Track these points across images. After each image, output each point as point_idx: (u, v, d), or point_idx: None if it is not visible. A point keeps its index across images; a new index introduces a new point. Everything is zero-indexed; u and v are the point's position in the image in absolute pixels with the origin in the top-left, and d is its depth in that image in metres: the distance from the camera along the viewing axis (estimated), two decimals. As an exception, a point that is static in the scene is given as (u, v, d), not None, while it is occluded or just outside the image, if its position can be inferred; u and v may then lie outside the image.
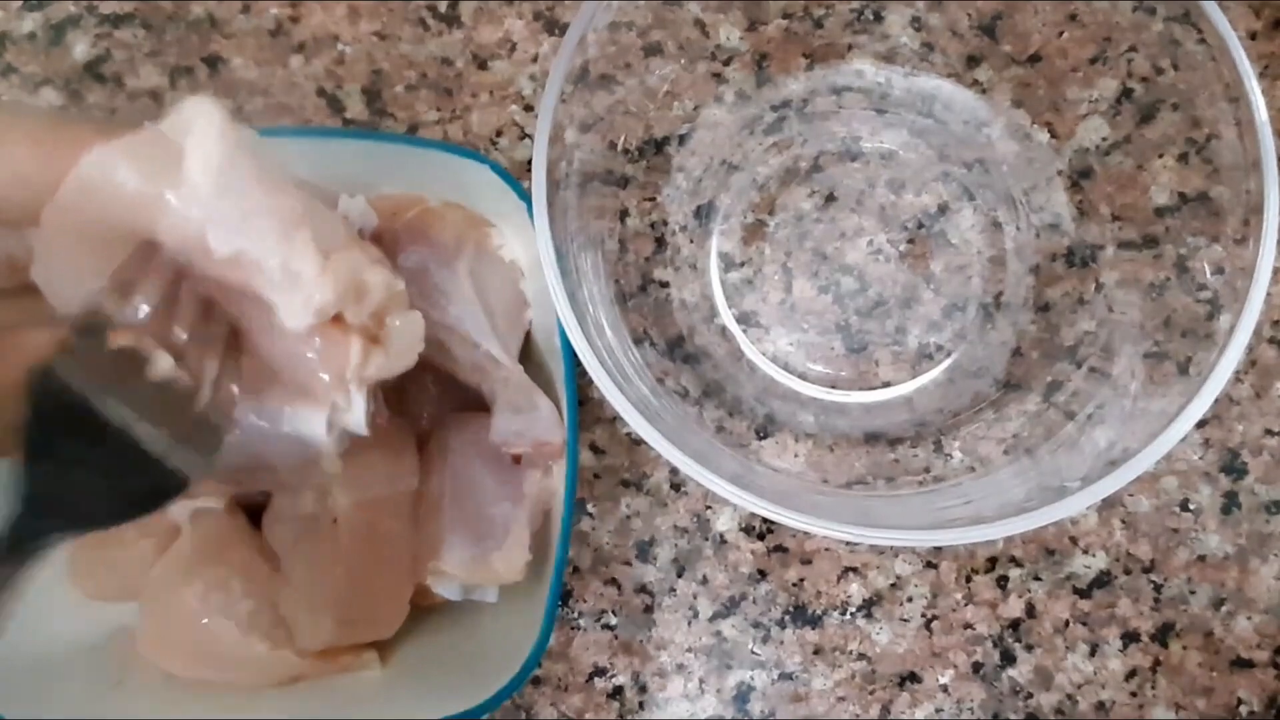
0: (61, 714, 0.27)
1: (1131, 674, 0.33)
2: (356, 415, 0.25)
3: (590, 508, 0.34)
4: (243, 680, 0.29)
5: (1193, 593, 0.33)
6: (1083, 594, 0.33)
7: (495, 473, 0.29)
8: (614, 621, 0.34)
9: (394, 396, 0.30)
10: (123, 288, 0.23)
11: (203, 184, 0.22)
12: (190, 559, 0.28)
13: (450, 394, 0.31)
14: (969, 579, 0.34)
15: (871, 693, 0.33)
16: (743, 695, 0.33)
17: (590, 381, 0.34)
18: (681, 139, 0.34)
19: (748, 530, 0.34)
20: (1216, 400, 0.25)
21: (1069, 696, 0.33)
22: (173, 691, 0.29)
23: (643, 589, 0.34)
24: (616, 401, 0.25)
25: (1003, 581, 0.34)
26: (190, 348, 0.23)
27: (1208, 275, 0.29)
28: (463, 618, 0.31)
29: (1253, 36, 0.35)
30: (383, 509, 0.28)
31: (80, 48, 0.36)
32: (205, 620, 0.28)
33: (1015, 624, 0.33)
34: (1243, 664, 0.33)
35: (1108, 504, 0.34)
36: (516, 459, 0.30)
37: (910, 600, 0.34)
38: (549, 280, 0.26)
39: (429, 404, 0.31)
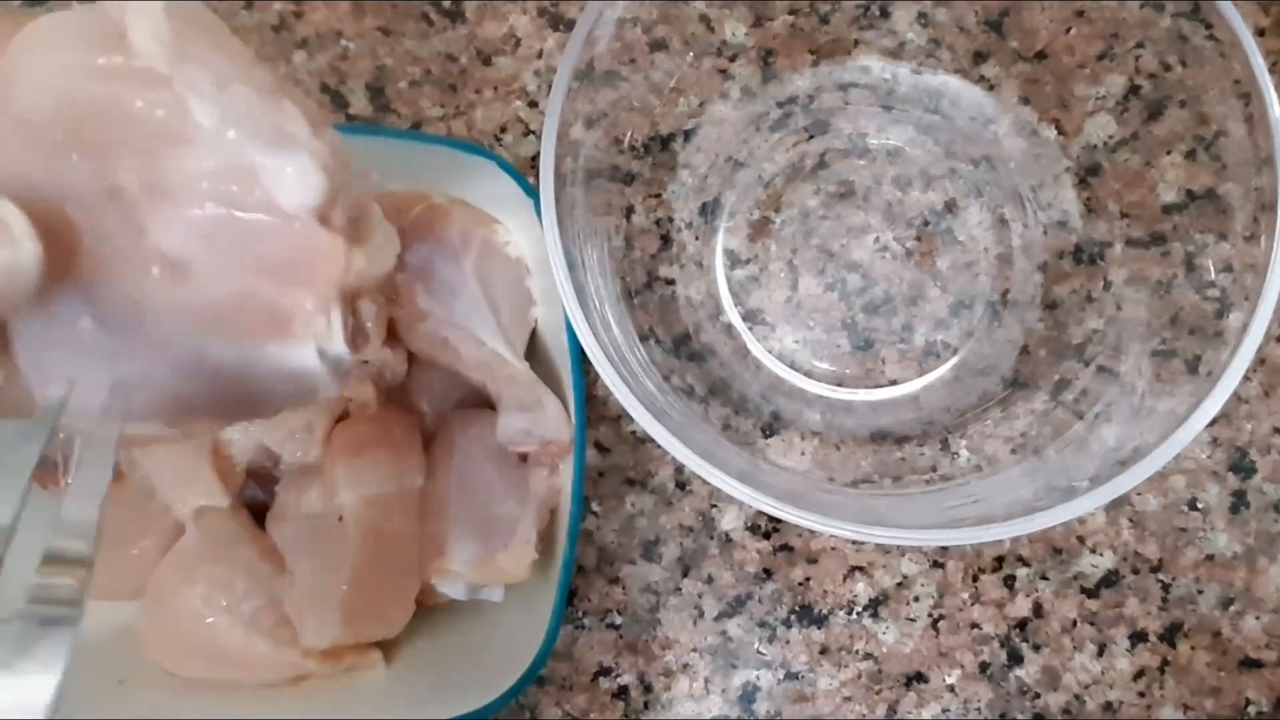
0: (65, 713, 0.27)
1: (1139, 674, 0.33)
2: (336, 336, 0.23)
3: (595, 506, 0.34)
4: (247, 680, 0.29)
5: (1201, 592, 0.33)
6: (1090, 593, 0.33)
7: (501, 471, 0.29)
8: (619, 621, 0.34)
9: (399, 393, 0.30)
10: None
11: (156, 53, 0.21)
12: (194, 558, 0.28)
13: (456, 392, 0.31)
14: (976, 578, 0.33)
15: (878, 693, 0.33)
16: (748, 695, 0.33)
17: (595, 379, 0.34)
18: (687, 135, 0.34)
19: (753, 529, 0.34)
20: (1225, 399, 0.25)
21: (1076, 697, 0.33)
22: (176, 691, 0.29)
23: (648, 588, 0.34)
24: (623, 398, 0.25)
25: (1010, 581, 0.33)
26: None
27: (1216, 273, 0.29)
28: (468, 617, 0.30)
29: (1261, 33, 0.35)
30: (388, 507, 0.28)
31: (82, 43, 0.35)
32: (209, 619, 0.28)
33: (1022, 624, 0.33)
34: (1251, 664, 0.33)
35: (1115, 503, 0.34)
36: (523, 457, 0.30)
37: (917, 600, 0.33)
38: (556, 276, 0.26)
39: (435, 402, 0.31)
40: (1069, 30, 0.32)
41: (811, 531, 0.34)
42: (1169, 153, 0.31)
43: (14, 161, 0.21)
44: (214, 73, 0.21)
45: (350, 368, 0.24)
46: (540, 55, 0.35)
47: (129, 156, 0.21)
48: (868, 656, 0.33)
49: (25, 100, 0.21)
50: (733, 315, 0.34)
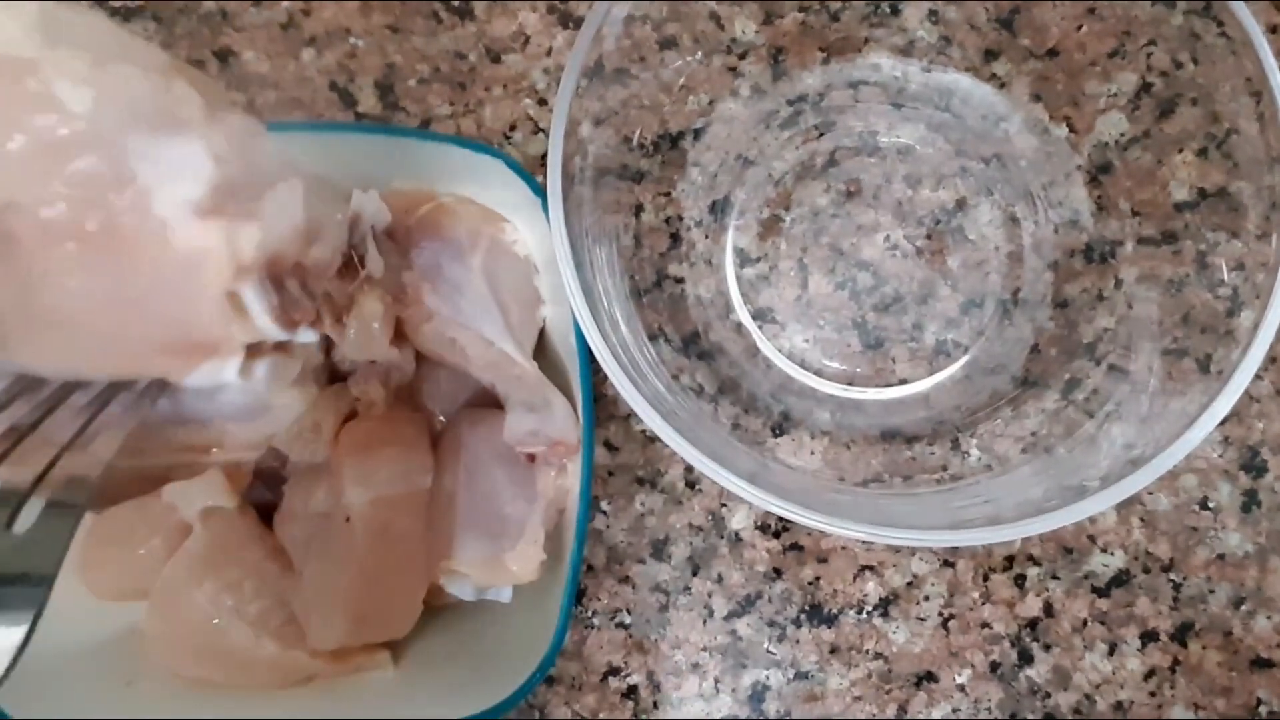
0: (71, 714, 0.27)
1: (1150, 674, 0.33)
2: (259, 319, 0.21)
3: (604, 506, 0.34)
4: (254, 681, 0.29)
5: (1212, 592, 0.33)
6: (1101, 593, 0.33)
7: (509, 471, 0.29)
8: (628, 620, 0.33)
9: (407, 393, 0.30)
10: None
11: (19, 39, 0.19)
12: (201, 558, 0.28)
13: (464, 391, 0.31)
14: (986, 578, 0.33)
15: (888, 692, 0.33)
16: (758, 695, 0.33)
17: (604, 378, 0.34)
18: (697, 134, 0.34)
19: (763, 528, 0.34)
20: (1237, 398, 0.25)
21: (1087, 696, 0.33)
22: (183, 692, 0.28)
23: (657, 588, 0.33)
24: (632, 398, 0.25)
25: (1020, 580, 0.33)
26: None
27: (1227, 272, 0.29)
28: (476, 618, 0.30)
29: (1273, 30, 0.35)
30: (396, 508, 0.28)
31: (89, 41, 0.35)
32: (216, 620, 0.28)
33: (1033, 623, 0.33)
34: (1262, 664, 0.33)
35: (1126, 502, 0.33)
36: (531, 457, 0.29)
37: (927, 599, 0.33)
38: (564, 275, 0.25)
39: (442, 402, 0.31)
40: (1080, 28, 0.32)
41: (822, 531, 0.34)
42: (1180, 151, 0.31)
43: None
44: (90, 52, 0.19)
45: (304, 344, 0.22)
46: (549, 53, 0.35)
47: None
48: (878, 656, 0.33)
49: None
50: (742, 314, 0.34)
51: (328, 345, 0.29)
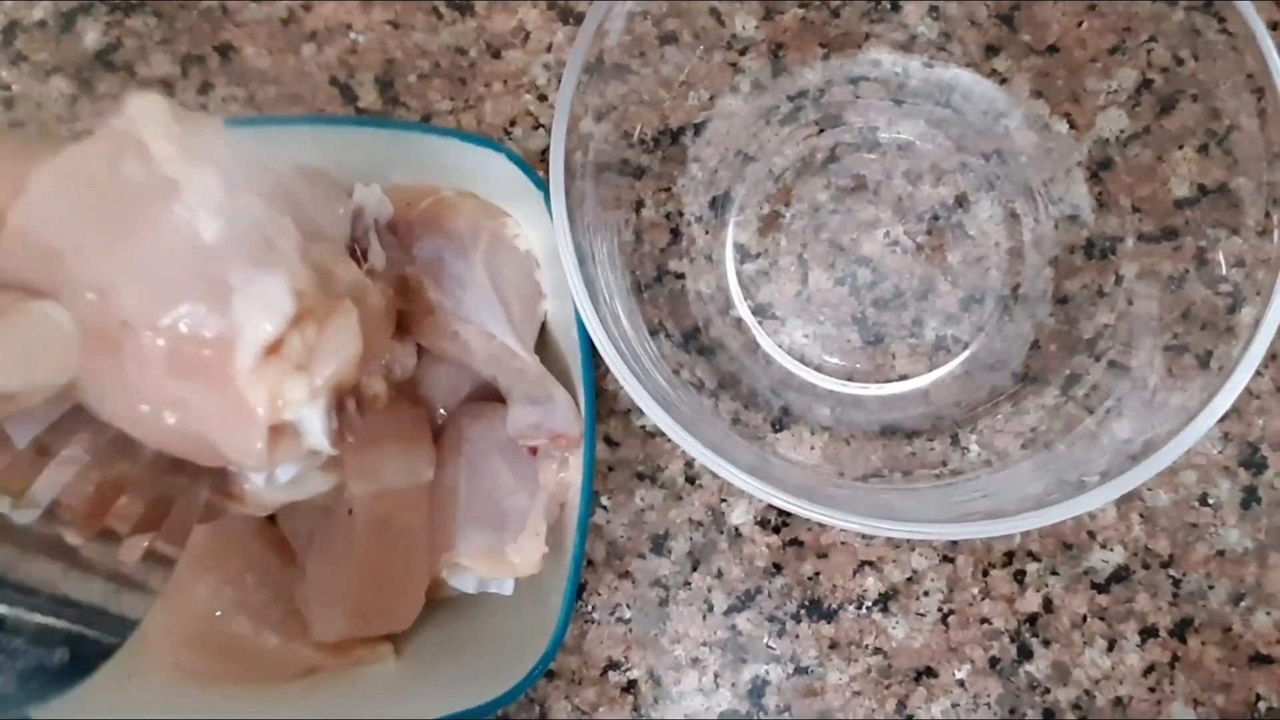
0: (73, 707, 0.27)
1: (1149, 669, 0.33)
2: (315, 441, 0.23)
3: (604, 500, 0.34)
4: (256, 673, 0.29)
5: (1211, 588, 0.33)
6: (1101, 589, 0.33)
7: (511, 464, 0.29)
8: (628, 615, 0.33)
9: (409, 387, 0.30)
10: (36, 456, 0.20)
11: (174, 157, 0.20)
12: (204, 552, 0.28)
13: (466, 385, 0.31)
14: (986, 573, 0.33)
15: (887, 687, 0.33)
16: (758, 689, 0.33)
17: (604, 374, 0.34)
18: (697, 129, 0.34)
19: (763, 524, 0.34)
20: (1237, 395, 0.25)
21: (1086, 692, 0.33)
22: (185, 685, 0.28)
23: (657, 583, 0.34)
24: (634, 392, 0.25)
25: (1020, 576, 0.33)
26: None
27: (1228, 268, 0.29)
28: (478, 611, 0.30)
29: (1274, 27, 0.35)
30: (398, 501, 0.28)
31: (91, 36, 0.35)
32: (218, 612, 0.28)
33: (1032, 619, 0.33)
34: (1262, 660, 0.33)
35: (1126, 498, 0.33)
36: (533, 450, 0.30)
37: (926, 594, 0.33)
38: (567, 269, 0.26)
39: (444, 395, 0.31)
40: (1081, 24, 0.32)
41: (821, 526, 0.34)
42: (1181, 147, 0.31)
43: (14, 270, 0.21)
44: (224, 176, 0.21)
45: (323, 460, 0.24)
46: (550, 49, 0.35)
47: (130, 280, 0.20)
48: (877, 651, 0.33)
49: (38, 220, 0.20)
50: (742, 309, 0.34)
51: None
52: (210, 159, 0.21)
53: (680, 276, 0.34)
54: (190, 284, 0.20)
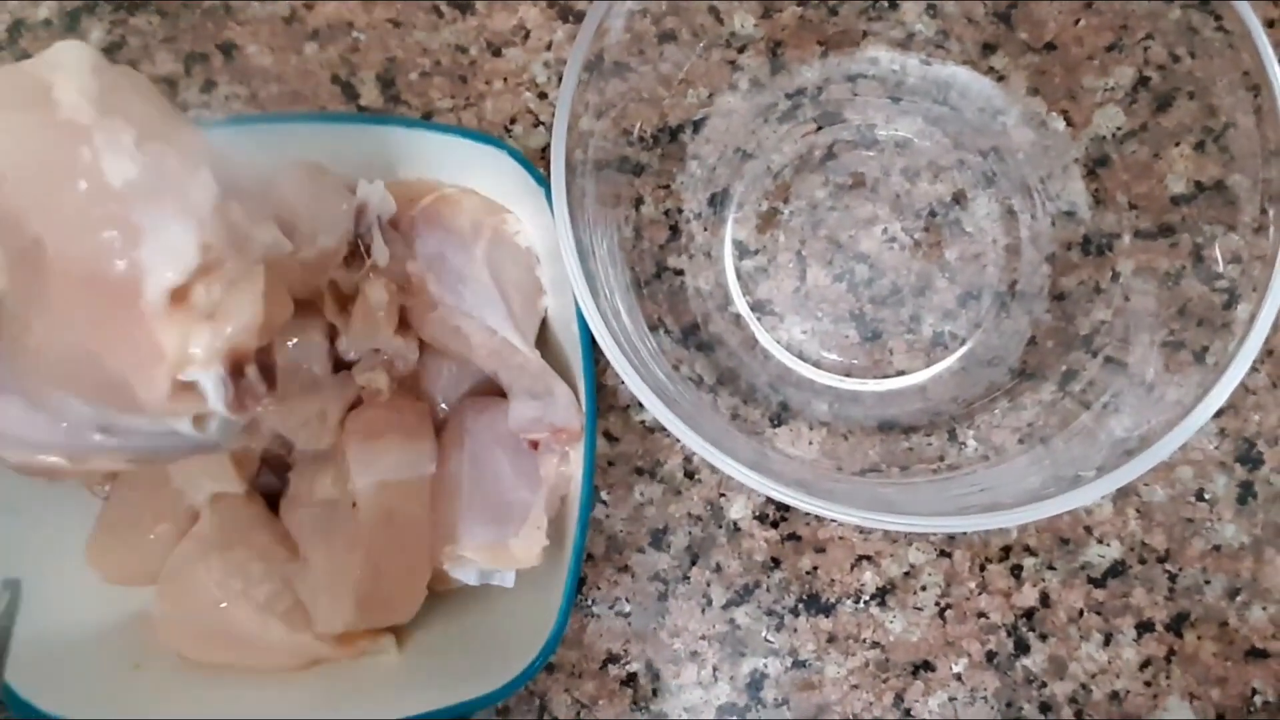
0: (80, 696, 0.28)
1: (1146, 664, 0.33)
2: (214, 404, 0.23)
3: (604, 495, 0.34)
4: (260, 664, 0.29)
5: (1208, 583, 0.33)
6: (1097, 583, 0.33)
7: (513, 458, 0.29)
8: (627, 609, 0.34)
9: (411, 381, 0.31)
10: None
11: (80, 105, 0.21)
12: (209, 543, 0.29)
13: (467, 380, 0.31)
14: (983, 568, 0.34)
15: (885, 681, 0.33)
16: (756, 683, 0.33)
17: (603, 369, 0.34)
18: (696, 127, 0.34)
19: (761, 518, 0.34)
20: (1233, 390, 0.25)
21: (1083, 686, 0.33)
22: (191, 675, 0.29)
23: (656, 577, 0.34)
24: (634, 386, 0.25)
25: (1017, 571, 0.34)
26: None
27: (1224, 264, 0.29)
28: (479, 604, 0.31)
29: (1270, 25, 0.35)
30: (401, 494, 0.29)
31: (95, 34, 0.36)
32: (224, 604, 0.28)
33: (1029, 613, 0.33)
34: (1257, 654, 0.33)
35: (1122, 493, 0.34)
36: (534, 444, 0.30)
37: (924, 589, 0.34)
38: (568, 264, 0.26)
39: (446, 390, 0.31)
40: (1078, 21, 0.32)
41: (819, 520, 0.34)
42: (1178, 144, 0.31)
43: None
44: (139, 127, 0.21)
45: (246, 424, 0.24)
46: (550, 47, 0.35)
47: (43, 212, 0.22)
48: (875, 645, 0.33)
49: None
50: (741, 306, 0.34)
51: (333, 334, 0.30)
52: (122, 110, 0.22)
53: (679, 273, 0.34)
54: (97, 221, 0.21)
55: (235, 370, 0.23)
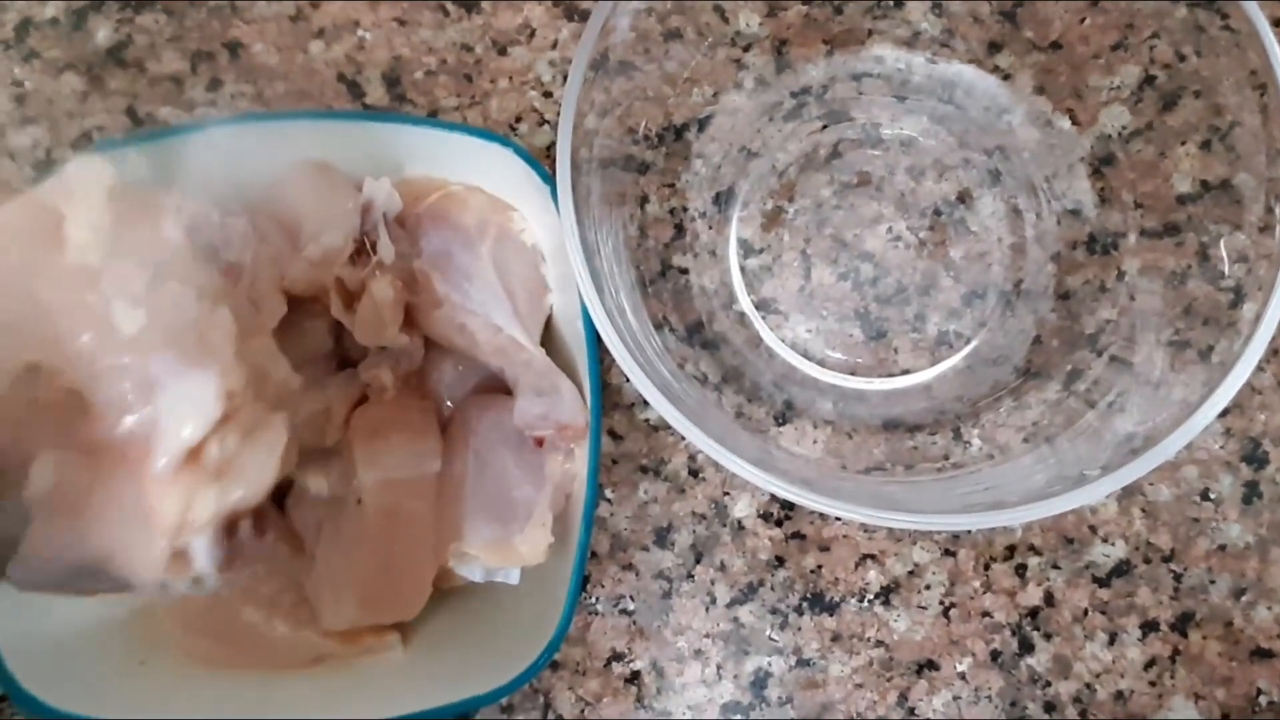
0: (86, 692, 0.28)
1: (1150, 663, 0.33)
2: (201, 566, 0.22)
3: (608, 493, 0.34)
4: (265, 661, 0.29)
5: (1213, 582, 0.33)
6: (1102, 583, 0.33)
7: (517, 455, 0.29)
8: (632, 607, 0.34)
9: (416, 379, 0.31)
10: None
11: (90, 244, 0.20)
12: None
13: (472, 377, 0.31)
14: (987, 567, 0.34)
15: (889, 680, 0.33)
16: (760, 681, 0.33)
17: (608, 367, 0.34)
18: (701, 125, 0.34)
19: (765, 517, 0.34)
20: (1238, 389, 0.25)
21: (1087, 685, 0.33)
22: (196, 671, 0.29)
23: (660, 575, 0.34)
24: (639, 384, 0.25)
25: (1021, 570, 0.34)
26: None
27: (1230, 264, 0.29)
28: (484, 601, 0.31)
29: (1277, 23, 0.35)
30: (406, 491, 0.29)
31: (102, 33, 0.36)
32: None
33: (1034, 612, 0.33)
34: (1263, 654, 0.33)
35: (1127, 493, 0.34)
36: (539, 441, 0.30)
37: (928, 588, 0.34)
38: (573, 262, 0.26)
39: (451, 387, 0.31)
40: (1084, 20, 0.32)
41: (823, 519, 0.34)
42: (1184, 143, 0.31)
43: None
44: (151, 268, 0.20)
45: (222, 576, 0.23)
46: (555, 46, 0.35)
47: (57, 358, 0.20)
48: (879, 644, 0.33)
49: None
50: (746, 304, 0.34)
51: (338, 331, 0.30)
52: (135, 246, 0.20)
53: (684, 271, 0.34)
54: (106, 375, 0.20)
55: (229, 529, 0.22)
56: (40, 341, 0.20)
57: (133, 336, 0.20)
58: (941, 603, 0.33)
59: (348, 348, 0.30)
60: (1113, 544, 0.33)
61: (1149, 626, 0.33)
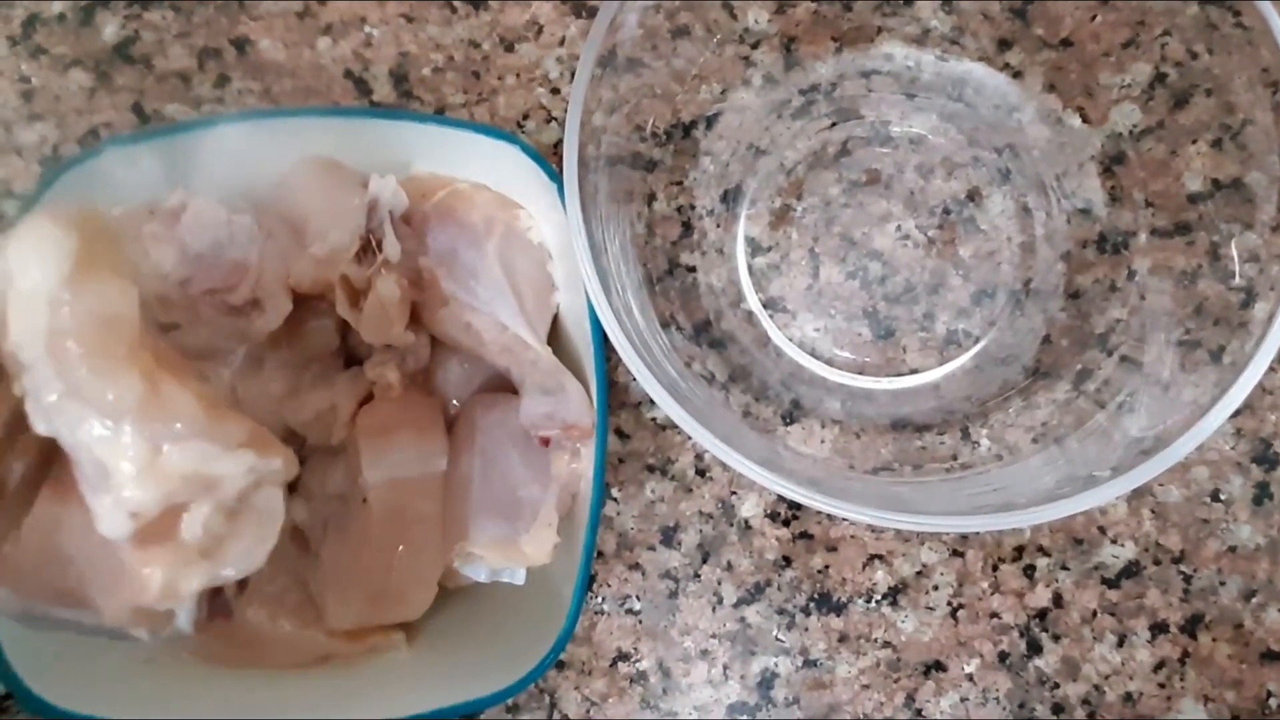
0: (92, 690, 0.28)
1: (1160, 665, 0.33)
2: (181, 622, 0.23)
3: (615, 492, 0.34)
4: (271, 660, 0.29)
5: (1223, 584, 0.33)
6: (1111, 584, 0.33)
7: (524, 455, 0.29)
8: (638, 607, 0.34)
9: (422, 377, 0.31)
10: None
11: (24, 349, 0.20)
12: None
13: (479, 376, 0.31)
14: (995, 568, 0.33)
15: (896, 681, 0.33)
16: (767, 682, 0.33)
17: (615, 366, 0.34)
18: (709, 123, 0.34)
19: (772, 517, 0.34)
20: (1250, 390, 0.25)
21: (1096, 687, 0.33)
22: (202, 670, 0.29)
23: (667, 574, 0.34)
24: (646, 383, 0.25)
25: (1030, 571, 0.33)
26: None
27: (1241, 263, 0.29)
28: (490, 600, 0.31)
29: (1290, 21, 0.35)
30: (412, 490, 0.28)
31: (110, 29, 0.36)
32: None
33: (1042, 614, 0.33)
34: (1273, 656, 0.33)
35: (1137, 494, 0.33)
36: (545, 441, 0.30)
37: (936, 589, 0.33)
38: (580, 260, 0.26)
39: (457, 386, 0.31)
40: (1094, 18, 0.32)
41: (831, 519, 0.34)
42: (1195, 142, 0.31)
43: None
44: (67, 381, 0.20)
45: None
46: (563, 42, 0.35)
47: None
48: (886, 645, 0.33)
49: None
50: (753, 303, 0.34)
51: (344, 329, 0.30)
52: (64, 357, 0.20)
53: (692, 269, 0.34)
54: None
55: (215, 594, 0.23)
56: None
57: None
58: (949, 603, 0.33)
59: (354, 346, 0.30)
60: (1122, 545, 0.33)
61: (1158, 628, 0.33)
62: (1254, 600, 0.33)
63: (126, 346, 0.21)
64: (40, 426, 0.21)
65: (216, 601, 0.23)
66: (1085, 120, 0.33)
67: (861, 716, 0.33)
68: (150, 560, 0.21)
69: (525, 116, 0.35)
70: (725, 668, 0.33)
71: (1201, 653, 0.33)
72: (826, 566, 0.34)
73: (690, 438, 0.25)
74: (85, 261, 0.21)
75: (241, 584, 0.24)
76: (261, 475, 0.23)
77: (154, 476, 0.21)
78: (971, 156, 0.34)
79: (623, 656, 0.34)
